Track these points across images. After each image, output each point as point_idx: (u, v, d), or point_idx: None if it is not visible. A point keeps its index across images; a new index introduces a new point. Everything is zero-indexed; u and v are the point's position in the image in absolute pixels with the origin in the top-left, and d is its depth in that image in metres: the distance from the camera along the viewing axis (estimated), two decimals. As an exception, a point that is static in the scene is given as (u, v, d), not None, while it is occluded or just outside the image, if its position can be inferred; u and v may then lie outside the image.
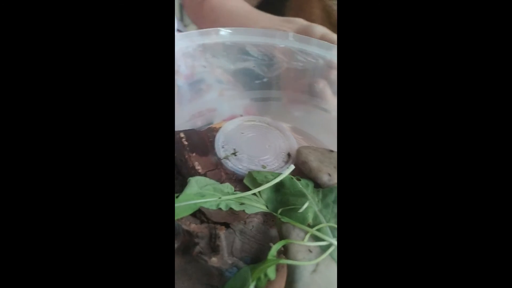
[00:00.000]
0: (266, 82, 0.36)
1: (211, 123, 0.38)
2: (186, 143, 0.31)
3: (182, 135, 0.32)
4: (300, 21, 0.37)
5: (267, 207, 0.29)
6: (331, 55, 0.31)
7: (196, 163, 0.30)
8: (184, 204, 0.26)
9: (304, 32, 0.35)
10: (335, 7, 0.52)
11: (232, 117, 0.37)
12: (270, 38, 0.31)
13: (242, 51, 0.32)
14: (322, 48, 0.30)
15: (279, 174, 0.30)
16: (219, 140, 0.34)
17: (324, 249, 0.25)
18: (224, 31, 0.31)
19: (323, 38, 0.34)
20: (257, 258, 0.26)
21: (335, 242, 0.25)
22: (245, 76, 0.36)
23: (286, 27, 0.36)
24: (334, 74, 0.30)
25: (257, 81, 0.36)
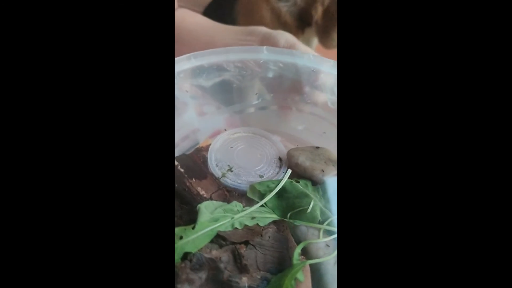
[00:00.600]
0: (243, 94, 0.37)
1: (198, 143, 0.37)
2: (182, 170, 0.31)
3: (176, 162, 0.31)
4: (262, 31, 0.38)
5: (277, 215, 0.30)
6: (303, 61, 0.33)
7: (199, 189, 0.30)
8: (202, 233, 0.26)
9: (268, 41, 0.36)
10: (283, 9, 0.54)
11: (216, 133, 0.37)
12: (246, 54, 0.31)
13: (218, 68, 0.32)
14: (293, 56, 0.31)
15: (280, 180, 0.31)
16: (212, 160, 0.34)
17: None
18: (194, 59, 0.31)
19: (287, 43, 0.36)
20: (280, 265, 0.27)
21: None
22: (222, 91, 0.36)
23: (250, 39, 0.37)
24: (305, 77, 0.33)
25: (234, 95, 0.37)
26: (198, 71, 0.31)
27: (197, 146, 0.37)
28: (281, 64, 0.31)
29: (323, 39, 0.54)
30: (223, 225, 0.27)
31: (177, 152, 0.33)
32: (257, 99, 0.36)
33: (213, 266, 0.25)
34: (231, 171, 0.33)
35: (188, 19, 0.42)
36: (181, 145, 0.35)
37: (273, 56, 0.31)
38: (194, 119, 0.37)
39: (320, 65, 0.31)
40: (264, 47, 0.31)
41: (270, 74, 0.32)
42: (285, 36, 0.37)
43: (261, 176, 0.33)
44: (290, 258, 0.27)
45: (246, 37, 0.37)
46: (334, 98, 0.33)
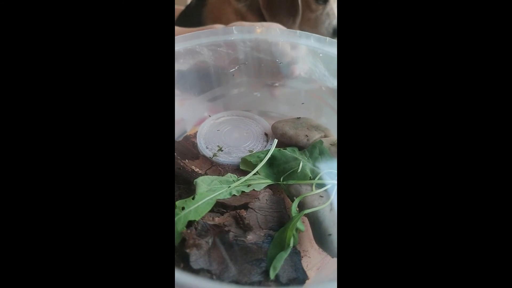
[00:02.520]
0: (220, 77, 0.39)
1: (186, 132, 0.39)
2: (175, 154, 0.32)
3: (167, 148, 0.32)
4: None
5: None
6: (272, 37, 0.35)
7: (193, 167, 0.31)
8: (202, 202, 0.27)
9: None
10: (244, 9, 0.57)
11: (202, 120, 0.39)
12: (217, 36, 0.34)
13: (192, 52, 0.34)
14: (261, 32, 0.34)
15: (268, 150, 0.33)
16: (201, 143, 0.35)
17: (330, 190, 0.30)
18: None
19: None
20: (281, 223, 0.29)
21: (335, 182, 0.30)
22: (199, 76, 0.38)
23: None
24: (276, 52, 0.35)
25: (212, 78, 0.39)
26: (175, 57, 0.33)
27: (186, 134, 0.38)
28: (249, 42, 0.33)
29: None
30: (221, 193, 0.29)
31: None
32: (234, 80, 0.38)
33: (217, 231, 0.26)
34: (221, 151, 0.35)
35: None
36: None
37: (244, 35, 0.34)
38: (177, 110, 0.38)
39: (288, 37, 0.34)
40: (233, 27, 0.33)
41: (242, 55, 0.35)
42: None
43: (250, 151, 0.35)
44: (289, 215, 0.29)
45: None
46: (306, 67, 0.35)
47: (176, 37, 0.32)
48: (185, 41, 0.33)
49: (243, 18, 0.58)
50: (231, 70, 0.37)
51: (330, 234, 0.26)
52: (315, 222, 0.28)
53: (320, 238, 0.27)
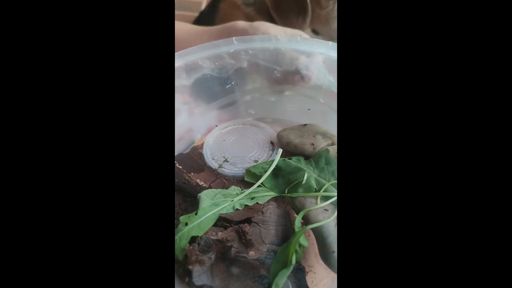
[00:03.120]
0: (223, 88, 0.39)
1: (193, 142, 0.39)
2: (180, 167, 0.33)
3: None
4: (239, 24, 0.40)
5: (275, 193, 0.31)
6: (277, 44, 0.34)
7: (198, 180, 0.32)
8: (204, 217, 0.27)
9: (246, 32, 0.38)
10: (253, 13, 0.57)
11: (210, 130, 0.39)
12: (217, 48, 0.34)
13: (195, 66, 0.34)
14: (263, 40, 0.33)
15: (273, 160, 0.33)
16: (207, 154, 0.36)
17: (335, 203, 0.29)
18: None
19: (267, 31, 0.38)
20: (286, 237, 0.28)
21: (342, 194, 0.29)
22: (204, 90, 0.38)
23: (230, 34, 0.39)
24: (278, 59, 0.34)
25: (216, 90, 0.39)
26: (177, 72, 0.34)
27: (193, 145, 0.39)
28: (250, 51, 0.33)
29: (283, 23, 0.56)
30: (224, 208, 0.29)
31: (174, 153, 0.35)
32: (238, 90, 0.38)
33: (220, 246, 0.27)
34: (227, 162, 0.35)
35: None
36: (177, 146, 0.37)
37: (244, 45, 0.33)
38: (186, 120, 0.39)
39: (290, 44, 0.33)
40: (234, 37, 0.33)
41: (245, 64, 0.34)
42: (264, 25, 0.38)
43: (256, 161, 0.35)
44: (294, 229, 0.28)
45: (223, 30, 0.39)
46: (309, 73, 0.34)
47: (178, 53, 0.32)
48: (187, 55, 0.33)
49: (252, 20, 0.58)
50: (234, 79, 0.36)
51: (334, 251, 0.25)
52: (319, 237, 0.27)
53: (324, 254, 0.26)
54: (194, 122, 0.39)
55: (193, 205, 0.30)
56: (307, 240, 0.27)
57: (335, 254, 0.25)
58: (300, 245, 0.26)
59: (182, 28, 0.44)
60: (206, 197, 0.29)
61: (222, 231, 0.28)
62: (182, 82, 0.33)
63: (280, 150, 0.34)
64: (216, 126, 0.39)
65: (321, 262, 0.28)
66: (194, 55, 0.33)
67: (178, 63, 0.32)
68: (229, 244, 0.27)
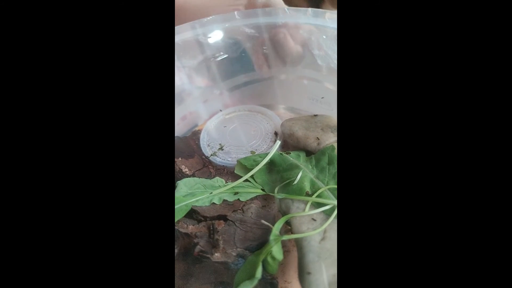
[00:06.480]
0: (235, 65, 0.35)
1: (196, 126, 0.37)
2: (169, 151, 0.31)
3: (164, 144, 0.32)
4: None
5: (263, 190, 0.27)
6: (280, 18, 0.29)
7: (182, 166, 0.30)
8: (176, 207, 0.25)
9: (251, 5, 0.34)
10: None
11: (214, 114, 0.36)
12: (220, 23, 0.30)
13: (197, 44, 0.31)
14: (267, 16, 0.28)
15: (267, 154, 0.29)
16: (204, 140, 0.33)
17: (329, 213, 0.23)
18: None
19: (266, 4, 0.33)
20: (262, 244, 0.24)
21: (335, 203, 0.23)
22: (217, 69, 0.35)
23: (236, 5, 0.35)
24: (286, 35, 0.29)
25: (227, 69, 0.35)
26: (178, 51, 0.31)
27: (195, 129, 0.37)
28: (253, 30, 0.28)
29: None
30: (200, 200, 0.26)
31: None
32: (245, 71, 0.34)
33: (186, 241, 0.24)
34: (222, 150, 0.32)
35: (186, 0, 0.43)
36: (178, 126, 0.36)
37: (246, 21, 0.29)
38: (193, 102, 0.37)
39: (299, 18, 0.27)
40: (236, 12, 0.29)
41: (250, 43, 0.30)
42: None
43: (252, 152, 0.31)
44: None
45: (235, 1, 0.36)
46: (320, 53, 0.28)
47: (177, 27, 0.29)
48: (187, 31, 0.31)
49: (290, 3, 0.53)
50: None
51: (309, 273, 0.20)
52: (299, 251, 0.22)
53: (300, 273, 0.21)
54: (200, 105, 0.37)
55: (174, 191, 0.28)
56: (282, 253, 0.22)
57: (311, 277, 0.20)
58: (274, 258, 0.22)
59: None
60: (184, 186, 0.27)
61: (194, 224, 0.25)
62: (184, 63, 0.31)
63: (278, 142, 0.30)
64: (221, 110, 0.36)
65: (301, 280, 0.23)
66: (196, 30, 0.30)
67: (177, 38, 0.30)
68: (195, 240, 0.24)
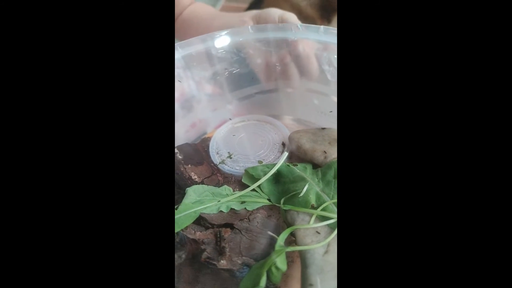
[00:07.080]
0: (246, 79, 0.36)
1: (205, 133, 0.38)
2: (180, 157, 0.32)
3: (176, 150, 0.33)
4: (255, 11, 0.37)
5: (269, 200, 0.28)
6: (291, 35, 0.30)
7: (192, 173, 0.30)
8: (184, 214, 0.26)
9: (262, 19, 0.35)
10: (302, 3, 0.52)
11: (223, 123, 0.37)
12: (234, 36, 0.31)
13: (208, 56, 0.32)
14: (279, 31, 0.29)
15: (274, 164, 0.29)
16: (213, 148, 0.34)
17: (333, 227, 0.24)
18: (180, 49, 0.32)
19: (281, 18, 0.34)
20: (267, 253, 0.25)
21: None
22: (226, 80, 0.37)
23: (244, 19, 0.36)
24: (299, 50, 0.30)
25: (236, 80, 0.36)
26: (190, 62, 0.32)
27: (204, 136, 0.38)
28: (265, 46, 0.29)
29: None
30: (208, 207, 0.27)
31: (182, 140, 0.35)
32: (255, 83, 0.35)
33: (194, 247, 0.25)
34: (230, 158, 0.33)
35: (197, 10, 0.44)
36: (187, 134, 0.37)
37: (260, 34, 0.30)
38: (203, 110, 0.38)
39: (309, 34, 0.28)
40: (249, 25, 0.30)
41: (260, 59, 0.31)
42: (279, 12, 0.35)
43: (260, 162, 0.32)
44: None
45: (241, 16, 0.37)
46: (330, 68, 0.29)
47: (189, 40, 0.31)
48: (199, 43, 0.32)
49: (300, 13, 0.54)
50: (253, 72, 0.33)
51: (311, 285, 0.21)
52: (302, 263, 0.23)
53: (302, 284, 0.22)
54: (210, 113, 0.38)
55: (181, 198, 0.29)
56: (286, 264, 0.23)
57: (313, 289, 0.21)
58: (278, 268, 0.23)
59: (209, 12, 0.43)
60: (193, 193, 0.28)
61: (201, 231, 0.26)
62: (195, 74, 0.32)
63: (286, 154, 0.30)
64: (230, 119, 0.37)
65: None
66: (207, 42, 0.31)
67: (189, 50, 0.31)
68: (203, 247, 0.25)
